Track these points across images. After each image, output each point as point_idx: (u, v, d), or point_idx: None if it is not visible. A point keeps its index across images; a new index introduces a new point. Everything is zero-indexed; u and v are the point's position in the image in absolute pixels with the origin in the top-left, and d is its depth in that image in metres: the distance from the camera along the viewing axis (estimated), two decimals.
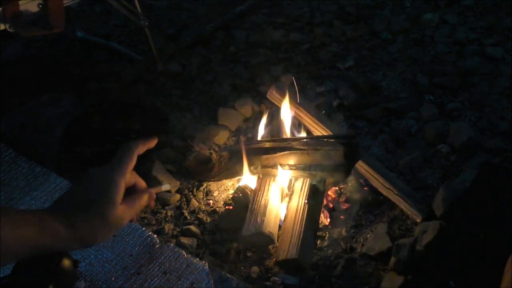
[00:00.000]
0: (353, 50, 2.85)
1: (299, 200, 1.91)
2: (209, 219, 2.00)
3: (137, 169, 2.20)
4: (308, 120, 2.19)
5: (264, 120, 2.22)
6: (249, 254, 1.85)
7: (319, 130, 2.16)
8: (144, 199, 1.28)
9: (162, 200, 2.07)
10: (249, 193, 2.00)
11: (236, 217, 1.98)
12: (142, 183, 1.33)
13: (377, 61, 2.75)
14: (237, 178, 2.15)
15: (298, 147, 1.93)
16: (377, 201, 1.99)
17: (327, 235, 1.90)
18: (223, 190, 2.14)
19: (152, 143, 1.33)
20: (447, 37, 2.85)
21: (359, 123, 2.36)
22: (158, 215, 2.02)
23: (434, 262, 1.60)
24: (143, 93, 2.68)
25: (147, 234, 1.77)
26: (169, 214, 2.03)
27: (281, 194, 2.01)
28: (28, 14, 2.12)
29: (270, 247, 1.86)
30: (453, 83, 2.50)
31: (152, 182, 2.12)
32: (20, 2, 2.07)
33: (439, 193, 1.87)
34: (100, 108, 2.50)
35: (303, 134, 2.17)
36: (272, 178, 1.99)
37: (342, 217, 1.97)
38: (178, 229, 1.96)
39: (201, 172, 2.14)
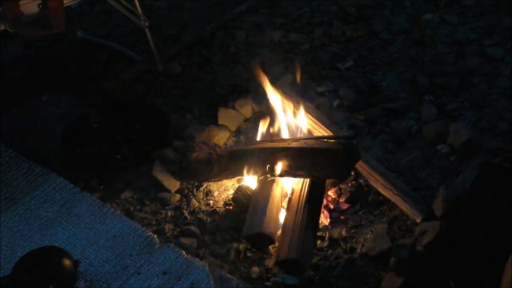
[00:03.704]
0: (353, 50, 2.85)
1: (299, 200, 1.91)
2: (209, 219, 2.01)
3: (137, 169, 2.22)
4: (308, 120, 2.19)
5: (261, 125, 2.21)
6: (249, 254, 1.86)
7: (319, 131, 2.16)
8: None
9: (162, 200, 2.07)
10: (249, 193, 2.00)
11: (236, 217, 1.98)
12: None
13: (377, 61, 2.75)
14: (237, 178, 2.15)
15: (298, 147, 1.93)
16: (377, 201, 1.99)
17: (327, 235, 1.90)
18: (223, 191, 2.14)
19: None
20: (447, 37, 2.85)
21: (359, 123, 2.36)
22: (158, 215, 2.03)
23: (434, 262, 1.60)
24: (143, 93, 2.68)
25: (147, 234, 1.77)
26: (169, 214, 2.03)
27: (281, 194, 2.01)
28: (28, 14, 2.12)
29: (270, 247, 1.87)
30: (453, 83, 2.50)
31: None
32: (20, 2, 2.07)
33: (439, 193, 1.87)
34: (100, 108, 2.50)
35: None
36: (272, 179, 1.99)
37: (342, 217, 1.98)
38: (178, 229, 1.96)
39: (201, 172, 2.14)
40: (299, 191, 1.95)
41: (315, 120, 2.18)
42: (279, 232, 1.89)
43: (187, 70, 2.81)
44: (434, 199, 1.88)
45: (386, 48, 2.84)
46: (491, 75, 2.55)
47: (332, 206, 2.01)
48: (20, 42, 3.16)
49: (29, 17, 2.13)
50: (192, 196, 2.10)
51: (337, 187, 2.08)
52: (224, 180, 2.16)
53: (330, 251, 1.85)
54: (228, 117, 2.43)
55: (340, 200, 2.03)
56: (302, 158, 1.91)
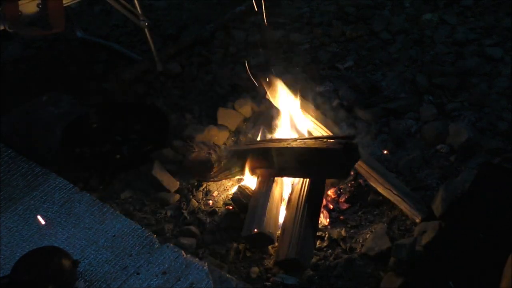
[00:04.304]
0: (353, 50, 2.85)
1: (298, 200, 1.91)
2: (208, 219, 2.01)
3: (136, 169, 2.22)
4: (307, 120, 2.19)
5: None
6: (248, 254, 1.86)
7: (318, 131, 2.16)
8: None
9: (161, 200, 2.07)
10: (248, 193, 2.00)
11: (236, 217, 1.98)
12: None
13: (376, 61, 2.75)
14: (237, 178, 2.15)
15: (297, 147, 1.93)
16: (377, 202, 1.99)
17: (327, 235, 1.90)
18: (222, 190, 2.14)
19: None
20: (447, 37, 2.85)
21: (358, 123, 2.36)
22: (157, 215, 2.03)
23: (433, 262, 1.60)
24: (142, 93, 2.69)
25: (147, 234, 1.77)
26: (168, 214, 2.03)
27: (280, 194, 2.01)
28: (27, 14, 2.12)
29: (270, 247, 1.87)
30: (452, 83, 2.50)
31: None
32: (19, 2, 2.07)
33: (438, 193, 1.87)
34: (99, 108, 2.50)
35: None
36: (272, 179, 1.99)
37: (341, 217, 1.98)
38: (178, 229, 1.96)
39: (200, 172, 2.14)
40: (298, 191, 1.95)
41: (314, 120, 2.18)
42: (279, 232, 1.89)
43: (186, 70, 2.82)
44: (433, 199, 1.88)
45: (385, 48, 2.84)
46: (490, 75, 2.55)
47: (331, 206, 2.01)
48: (19, 42, 3.16)
49: (28, 17, 2.13)
50: (191, 196, 2.10)
51: (336, 187, 2.08)
52: (224, 180, 2.16)
53: (330, 251, 1.85)
54: (228, 117, 2.43)
55: (340, 200, 2.03)
56: (301, 158, 1.91)
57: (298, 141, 1.97)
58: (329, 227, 1.94)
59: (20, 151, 2.11)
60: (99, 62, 2.95)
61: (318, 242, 1.89)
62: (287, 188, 2.05)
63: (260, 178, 2.02)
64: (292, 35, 2.99)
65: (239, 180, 2.14)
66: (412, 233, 1.82)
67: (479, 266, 1.55)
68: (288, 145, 1.95)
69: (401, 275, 1.63)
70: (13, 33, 2.11)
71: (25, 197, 1.92)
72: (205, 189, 2.14)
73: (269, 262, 1.82)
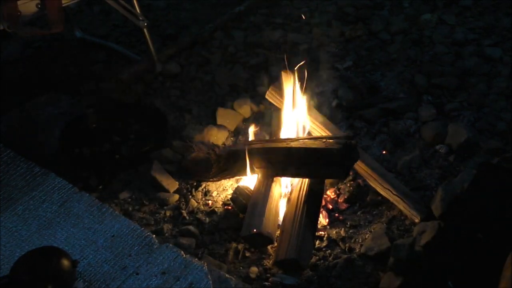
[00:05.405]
0: (352, 50, 2.85)
1: (298, 200, 1.91)
2: (207, 219, 2.00)
3: (135, 169, 2.22)
4: (308, 120, 2.19)
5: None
6: (248, 254, 1.86)
7: (318, 131, 2.16)
8: None
9: (160, 200, 2.07)
10: (248, 193, 1.99)
11: (235, 217, 1.98)
12: None
13: (375, 62, 2.75)
14: (236, 178, 2.15)
15: (297, 147, 1.93)
16: (376, 202, 2.00)
17: (326, 235, 1.90)
18: (221, 191, 2.14)
19: None
20: (446, 37, 2.85)
21: (357, 123, 2.36)
22: (157, 215, 2.02)
23: (432, 262, 1.60)
24: (141, 93, 2.68)
25: (146, 234, 1.77)
26: (167, 214, 2.03)
27: (280, 194, 2.01)
28: (26, 14, 2.11)
29: (269, 247, 1.87)
30: (451, 84, 2.51)
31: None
32: (18, 2, 2.07)
33: (437, 193, 1.87)
34: (98, 108, 2.50)
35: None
36: (271, 179, 1.99)
37: (340, 217, 1.98)
38: (177, 229, 1.96)
39: (199, 172, 2.14)
40: (298, 191, 1.95)
41: (314, 120, 2.18)
42: (278, 232, 1.89)
43: (186, 70, 2.81)
44: (432, 199, 1.88)
45: (384, 48, 2.84)
46: (489, 75, 2.56)
47: (331, 206, 2.01)
48: (19, 42, 3.16)
49: (28, 17, 2.13)
50: (190, 196, 2.10)
51: (335, 187, 2.08)
52: (223, 180, 2.16)
53: (329, 251, 1.85)
54: (227, 117, 2.43)
55: (339, 200, 2.03)
56: (301, 158, 1.91)
57: (297, 141, 1.98)
58: (328, 227, 1.94)
59: (19, 151, 2.11)
60: (98, 62, 2.95)
61: (317, 242, 1.89)
62: (287, 188, 2.05)
63: (259, 178, 2.02)
64: (291, 35, 2.99)
65: (238, 180, 2.14)
66: (411, 233, 1.82)
67: (478, 266, 1.55)
68: (288, 145, 1.95)
69: (400, 275, 1.64)
70: (12, 33, 2.11)
71: (24, 197, 1.92)
72: (204, 189, 2.14)
73: (268, 262, 1.82)
